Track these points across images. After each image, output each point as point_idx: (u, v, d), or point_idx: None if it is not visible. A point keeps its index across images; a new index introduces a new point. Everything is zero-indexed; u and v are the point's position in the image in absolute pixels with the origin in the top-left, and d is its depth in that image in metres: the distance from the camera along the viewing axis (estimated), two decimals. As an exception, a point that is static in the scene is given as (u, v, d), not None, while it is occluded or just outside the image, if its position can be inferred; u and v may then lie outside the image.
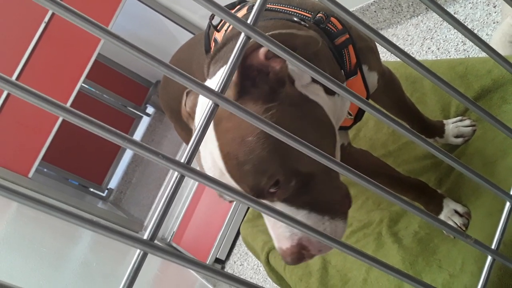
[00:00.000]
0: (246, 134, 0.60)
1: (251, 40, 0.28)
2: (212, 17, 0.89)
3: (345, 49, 0.79)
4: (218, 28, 0.86)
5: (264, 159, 0.60)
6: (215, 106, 0.27)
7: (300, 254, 0.64)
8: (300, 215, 0.64)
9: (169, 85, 1.26)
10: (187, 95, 0.80)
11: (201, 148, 0.66)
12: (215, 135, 0.63)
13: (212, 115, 0.27)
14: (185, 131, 1.31)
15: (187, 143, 1.35)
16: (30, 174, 2.81)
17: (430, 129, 1.09)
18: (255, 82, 0.62)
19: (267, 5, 0.78)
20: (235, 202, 2.49)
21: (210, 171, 0.65)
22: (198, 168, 0.68)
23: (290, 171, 0.61)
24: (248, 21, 0.27)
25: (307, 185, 0.64)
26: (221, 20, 0.87)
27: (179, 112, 1.25)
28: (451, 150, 1.09)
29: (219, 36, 0.85)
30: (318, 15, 0.77)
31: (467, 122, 1.07)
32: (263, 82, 0.62)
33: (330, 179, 0.68)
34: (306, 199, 0.64)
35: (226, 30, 0.82)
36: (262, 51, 0.61)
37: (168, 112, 1.34)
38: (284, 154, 0.61)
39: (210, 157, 0.64)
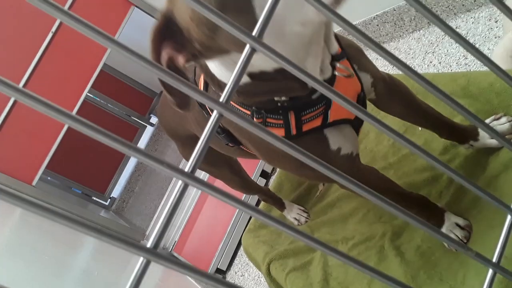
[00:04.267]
0: None
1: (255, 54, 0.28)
2: None
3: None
4: None
5: None
6: (220, 116, 0.28)
7: None
8: None
9: (167, 105, 1.27)
10: None
11: None
12: None
13: (216, 125, 0.28)
14: (184, 147, 1.35)
15: (187, 160, 1.37)
16: (34, 182, 2.81)
17: (461, 134, 1.02)
18: None
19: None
20: (237, 211, 2.49)
21: None
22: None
23: None
24: (253, 34, 0.28)
25: None
26: None
27: (177, 131, 1.27)
28: (488, 154, 1.00)
29: None
30: None
31: (503, 119, 0.98)
32: None
33: None
34: None
35: None
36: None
37: (168, 131, 1.37)
38: None
39: None
